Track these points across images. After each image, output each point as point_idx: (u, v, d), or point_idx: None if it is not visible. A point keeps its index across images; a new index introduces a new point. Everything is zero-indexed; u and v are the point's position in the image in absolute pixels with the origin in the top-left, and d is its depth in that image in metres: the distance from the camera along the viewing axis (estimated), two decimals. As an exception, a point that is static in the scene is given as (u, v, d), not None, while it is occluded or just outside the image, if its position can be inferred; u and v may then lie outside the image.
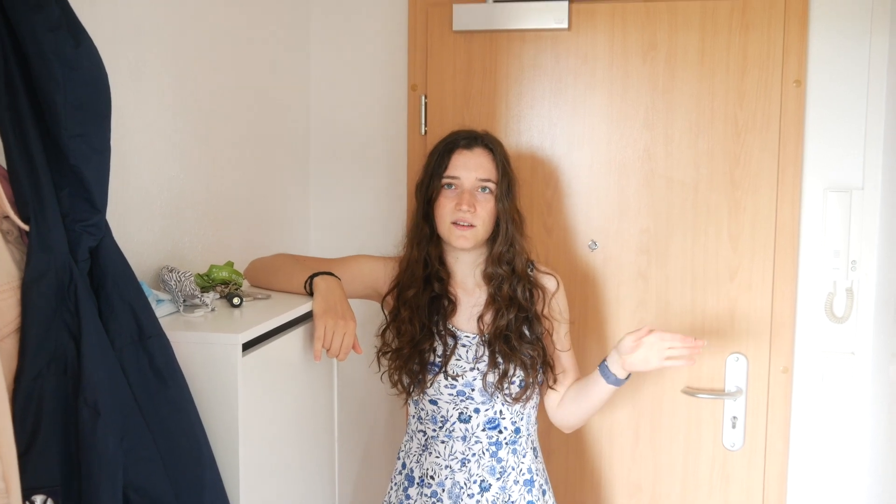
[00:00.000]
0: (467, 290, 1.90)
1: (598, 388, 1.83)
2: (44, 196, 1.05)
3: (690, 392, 2.25)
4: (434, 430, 1.87)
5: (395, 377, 1.86)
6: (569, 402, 1.91)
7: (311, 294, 1.69)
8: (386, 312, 1.92)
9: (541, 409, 1.95)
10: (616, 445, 2.32)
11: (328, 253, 2.37)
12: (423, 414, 1.89)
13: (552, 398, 1.93)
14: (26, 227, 1.05)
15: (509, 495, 1.85)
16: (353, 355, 1.65)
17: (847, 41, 2.17)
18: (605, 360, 1.82)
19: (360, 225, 2.45)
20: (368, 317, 2.02)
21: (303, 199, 2.43)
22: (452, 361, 1.83)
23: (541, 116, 2.29)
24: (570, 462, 2.35)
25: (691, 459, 2.28)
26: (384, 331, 1.90)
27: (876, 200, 2.17)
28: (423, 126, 2.35)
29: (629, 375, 1.80)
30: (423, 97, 2.34)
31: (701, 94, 2.21)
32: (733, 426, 2.25)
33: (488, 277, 1.86)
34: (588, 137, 2.27)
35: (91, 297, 1.08)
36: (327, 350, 1.60)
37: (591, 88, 2.26)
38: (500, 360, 1.81)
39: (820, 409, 2.24)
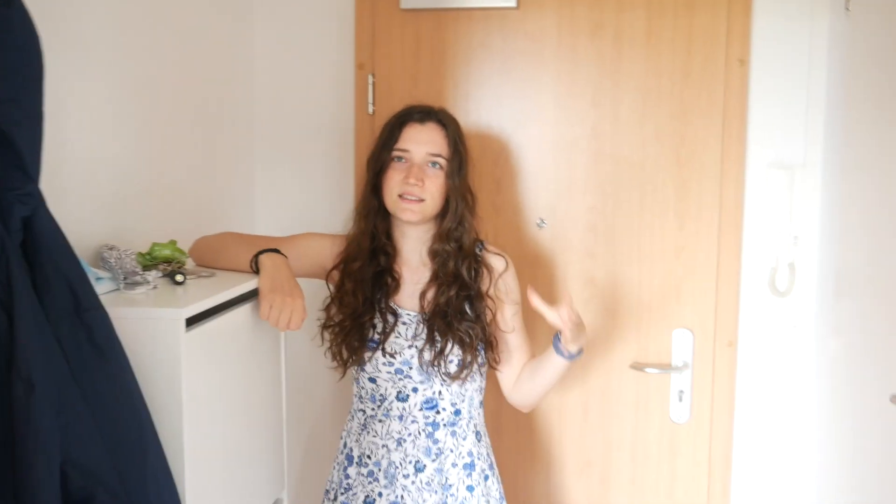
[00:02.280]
0: (412, 267, 1.88)
1: (552, 363, 1.82)
2: (-28, 164, 1.01)
3: (638, 367, 2.27)
4: (373, 409, 1.86)
5: (335, 350, 1.85)
6: (524, 381, 1.90)
7: (257, 272, 1.67)
8: (330, 287, 1.90)
9: (490, 390, 1.95)
10: (565, 423, 2.34)
11: (275, 232, 2.34)
12: (363, 393, 1.88)
13: (507, 378, 1.93)
14: (-46, 197, 1.01)
15: (446, 478, 1.83)
16: (297, 332, 1.63)
17: (789, 21, 2.20)
18: (557, 334, 1.79)
19: (307, 204, 2.42)
20: (312, 292, 2.00)
21: (248, 177, 2.40)
22: (391, 339, 1.82)
23: (489, 95, 2.29)
24: (519, 442, 2.36)
25: (640, 434, 2.31)
26: (328, 305, 1.89)
27: (817, 177, 2.21)
28: (370, 105, 2.32)
29: (581, 350, 1.79)
30: (371, 76, 2.32)
31: (647, 74, 2.23)
32: (680, 399, 2.28)
33: (434, 254, 1.85)
34: (536, 116, 2.28)
35: (24, 269, 1.05)
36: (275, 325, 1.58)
37: (540, 67, 2.27)
38: (437, 336, 1.79)
39: (764, 382, 2.28)
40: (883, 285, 1.99)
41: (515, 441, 2.36)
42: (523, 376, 1.91)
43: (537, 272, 2.29)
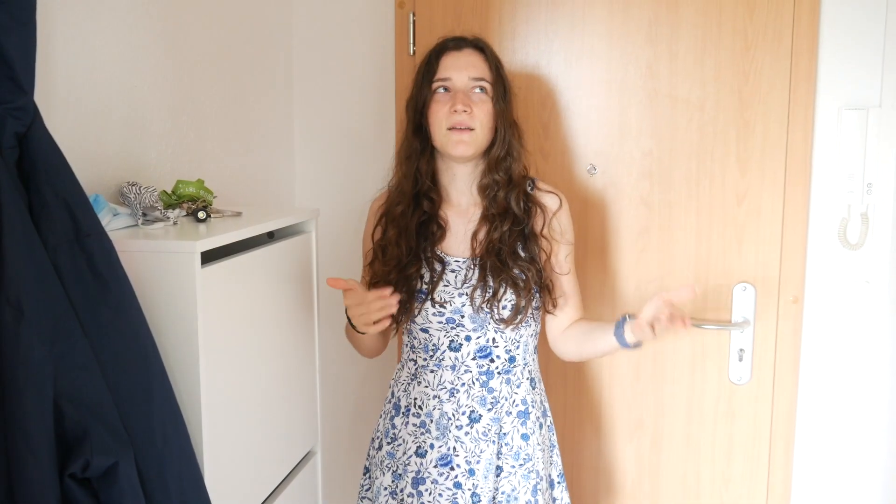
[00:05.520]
0: (461, 210, 1.80)
1: (606, 342, 1.72)
2: (-41, 73, 0.93)
3: (696, 323, 2.13)
4: (425, 360, 1.78)
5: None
6: (573, 340, 1.83)
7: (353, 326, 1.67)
8: (374, 242, 1.81)
9: (541, 337, 1.85)
10: (616, 379, 2.22)
11: (311, 176, 2.30)
12: (415, 343, 1.80)
13: (555, 324, 1.84)
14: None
15: (501, 427, 1.75)
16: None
17: (865, -54, 2.01)
18: (624, 318, 1.68)
19: (347, 148, 2.32)
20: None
21: (286, 119, 2.30)
22: (440, 288, 1.73)
23: (537, 32, 2.15)
24: (567, 396, 2.24)
25: (696, 394, 2.18)
26: (372, 261, 1.80)
27: (894, 119, 2.03)
28: (411, 46, 2.20)
29: (640, 344, 1.67)
30: (412, 15, 2.20)
31: (707, 7, 2.06)
32: (740, 359, 2.14)
33: (483, 189, 1.76)
34: (587, 55, 2.13)
35: (16, 189, 0.96)
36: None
37: (590, 2, 2.11)
38: (489, 278, 1.70)
39: (832, 341, 2.12)
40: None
41: (563, 399, 2.24)
42: (573, 335, 1.83)
43: (588, 222, 2.16)
